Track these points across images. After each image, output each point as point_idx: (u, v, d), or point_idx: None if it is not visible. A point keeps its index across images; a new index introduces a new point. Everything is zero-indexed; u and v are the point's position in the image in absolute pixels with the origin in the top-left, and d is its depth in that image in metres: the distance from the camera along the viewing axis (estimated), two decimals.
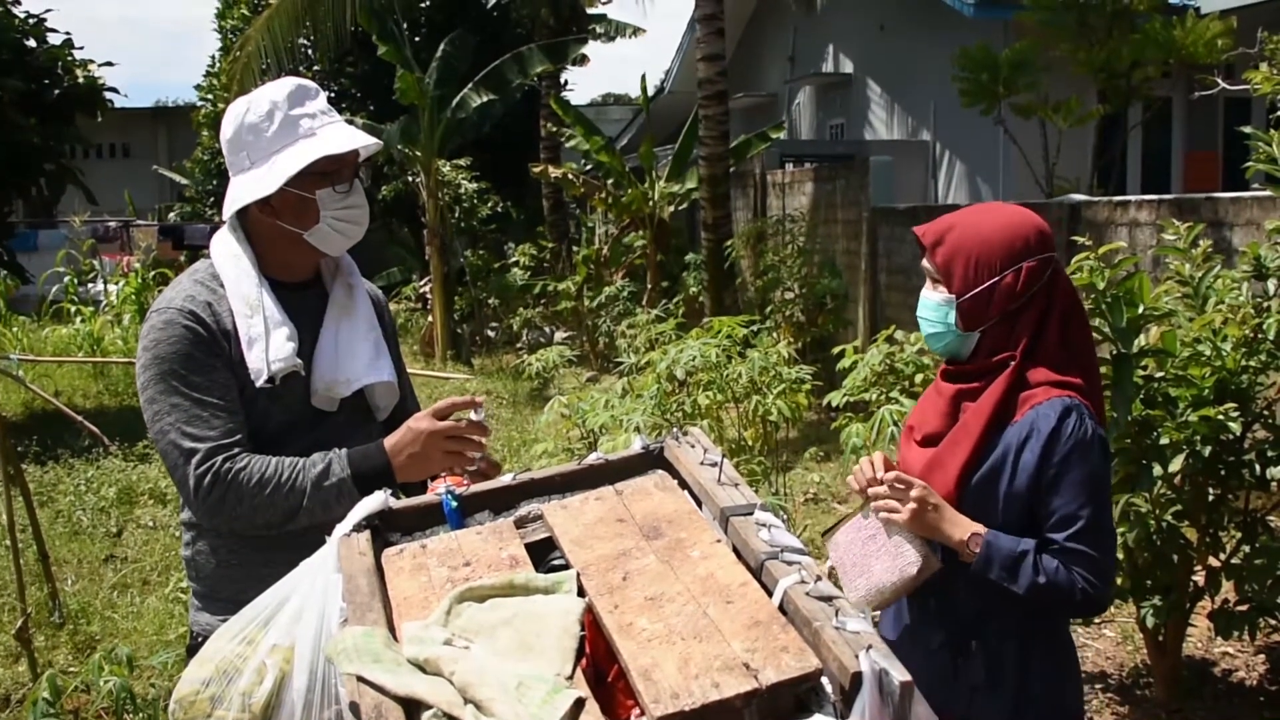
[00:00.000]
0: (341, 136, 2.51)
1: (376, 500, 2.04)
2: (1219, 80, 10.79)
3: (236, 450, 2.40)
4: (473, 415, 2.50)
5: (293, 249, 2.57)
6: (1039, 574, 2.34)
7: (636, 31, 24.74)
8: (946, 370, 2.61)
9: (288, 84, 2.55)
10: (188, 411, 2.40)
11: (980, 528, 2.37)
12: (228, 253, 2.57)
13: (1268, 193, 6.76)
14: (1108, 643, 5.55)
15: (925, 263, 2.55)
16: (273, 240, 2.57)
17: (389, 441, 2.46)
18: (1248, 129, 4.50)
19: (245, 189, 2.51)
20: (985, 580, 2.38)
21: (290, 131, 2.50)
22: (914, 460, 2.56)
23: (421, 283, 18.72)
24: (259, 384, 2.44)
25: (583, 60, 19.87)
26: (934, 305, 2.52)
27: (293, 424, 2.52)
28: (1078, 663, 2.66)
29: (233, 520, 2.42)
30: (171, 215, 29.62)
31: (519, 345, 15.96)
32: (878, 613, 2.63)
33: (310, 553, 2.30)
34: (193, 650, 2.62)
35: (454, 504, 2.08)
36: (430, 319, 16.63)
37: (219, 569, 2.57)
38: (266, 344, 2.45)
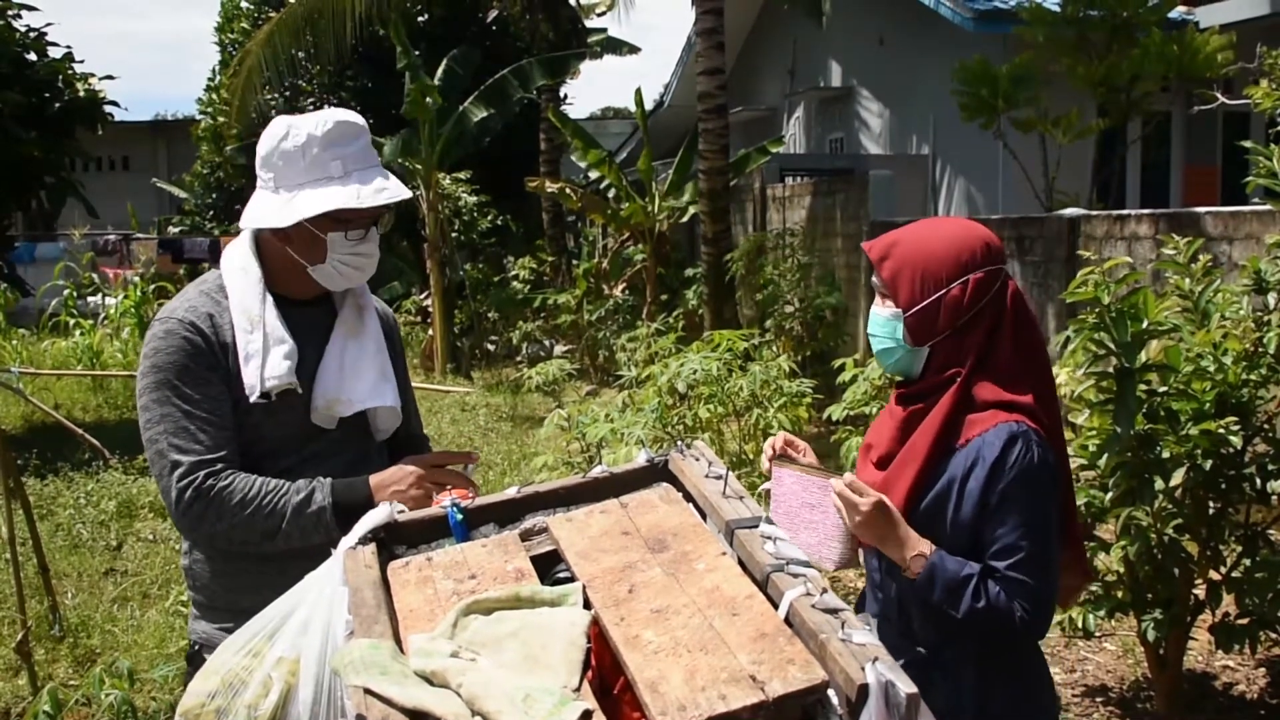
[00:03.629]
0: (367, 190, 2.51)
1: (382, 513, 2.05)
2: (1218, 95, 10.82)
3: (221, 466, 2.42)
4: (466, 467, 2.51)
5: (299, 275, 2.59)
6: (979, 599, 2.30)
7: (632, 50, 24.84)
8: (899, 392, 2.58)
9: (333, 119, 2.56)
10: (178, 423, 2.42)
11: (928, 547, 2.34)
12: (237, 266, 2.60)
13: (1267, 207, 6.77)
14: (1108, 656, 5.56)
15: (875, 278, 2.54)
16: (281, 262, 2.59)
17: (375, 477, 2.48)
18: (1247, 144, 4.51)
19: (264, 211, 2.53)
20: (929, 602, 2.37)
21: (320, 170, 2.51)
22: (868, 482, 2.50)
23: (422, 296, 18.75)
24: (253, 399, 2.46)
25: (575, 73, 19.94)
26: (882, 321, 2.51)
27: (288, 438, 2.54)
28: (1050, 687, 2.63)
29: (211, 535, 2.44)
30: (171, 229, 29.65)
31: (519, 359, 15.98)
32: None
33: (302, 563, 2.30)
34: (192, 659, 2.66)
35: (459, 517, 2.09)
36: (430, 332, 16.64)
37: (214, 578, 2.59)
38: (263, 361, 2.47)
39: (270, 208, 2.52)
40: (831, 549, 2.38)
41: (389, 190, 2.54)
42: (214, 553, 2.57)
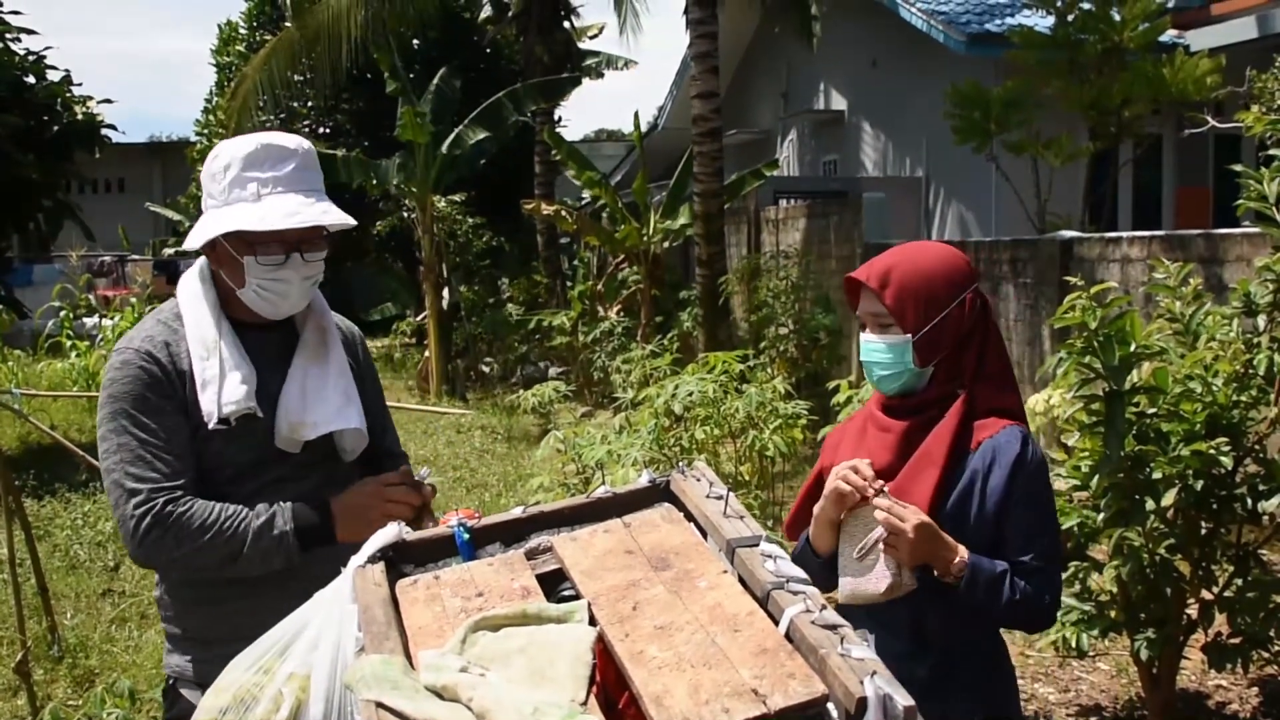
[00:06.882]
0: (274, 212, 2.44)
1: (390, 532, 2.08)
2: (1208, 118, 10.90)
3: (180, 493, 2.41)
4: (421, 472, 2.56)
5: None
6: (1015, 593, 2.43)
7: (628, 64, 24.97)
8: (890, 405, 2.64)
9: (260, 140, 2.53)
10: (134, 452, 2.41)
11: (964, 550, 2.43)
12: (191, 292, 2.59)
13: (1257, 229, 6.82)
14: (1102, 675, 5.59)
15: (868, 308, 2.61)
16: (227, 287, 2.57)
17: (336, 502, 2.50)
18: (1238, 167, 4.56)
19: (192, 233, 2.52)
20: (956, 605, 2.45)
21: (236, 191, 2.47)
22: None
23: (418, 318, 18.79)
24: (211, 425, 2.45)
25: (569, 93, 20.06)
26: (887, 348, 2.57)
27: (253, 463, 2.52)
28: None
29: (169, 563, 2.43)
30: (166, 250, 29.68)
31: (513, 380, 16.00)
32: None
33: (269, 591, 2.36)
34: (168, 693, 2.65)
35: (466, 536, 2.12)
36: (426, 354, 16.68)
37: (185, 609, 2.58)
38: (220, 387, 2.45)
39: (196, 227, 2.52)
40: (882, 571, 2.43)
41: (299, 216, 2.46)
42: (184, 583, 2.56)
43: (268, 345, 2.59)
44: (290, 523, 2.42)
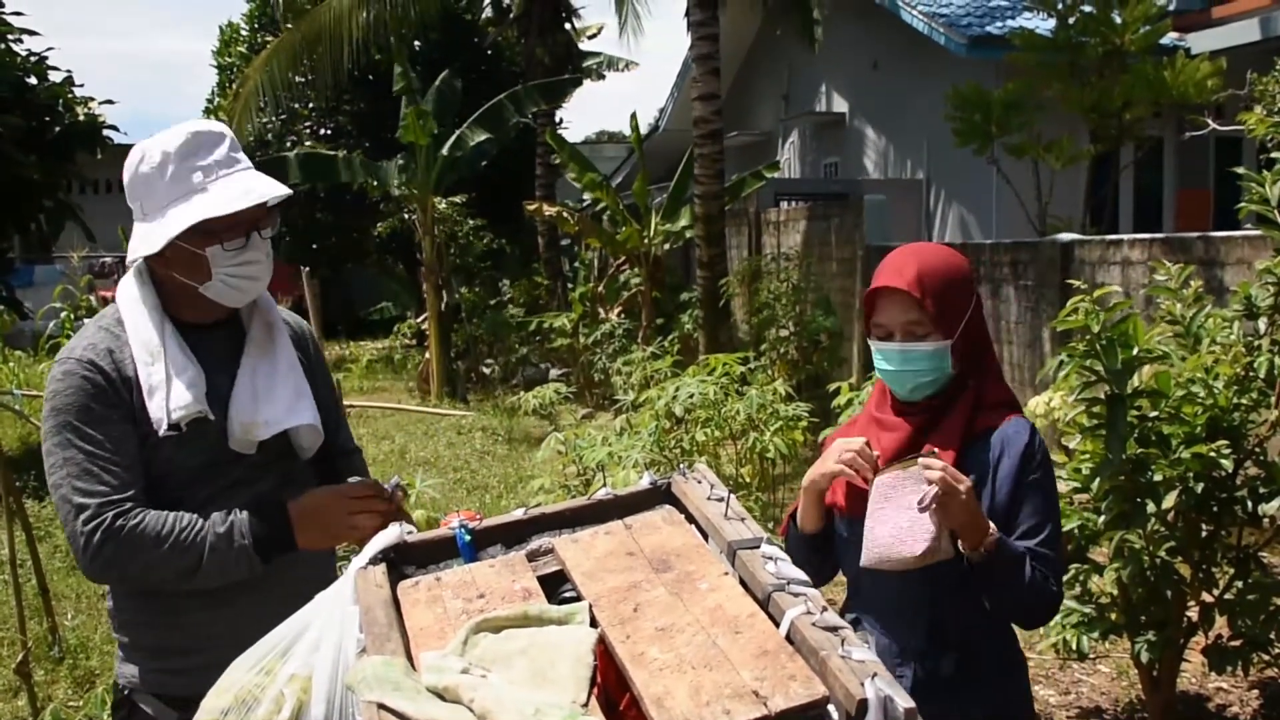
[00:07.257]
0: (231, 194, 2.41)
1: (392, 534, 2.08)
2: (1209, 120, 10.91)
3: (130, 506, 2.34)
4: (390, 481, 2.54)
5: (194, 298, 2.51)
6: (1031, 574, 2.42)
7: (629, 65, 25.00)
8: (897, 404, 2.61)
9: (183, 132, 2.46)
10: (80, 465, 2.34)
11: (992, 524, 2.41)
12: (131, 296, 2.52)
13: (1257, 232, 6.82)
14: (1103, 678, 5.59)
15: (902, 316, 2.52)
16: (175, 287, 2.51)
17: (294, 507, 2.43)
18: (1240, 169, 4.55)
19: (137, 242, 2.46)
20: (975, 595, 2.45)
21: (181, 185, 2.42)
22: None
23: (418, 319, 18.80)
24: (161, 433, 2.38)
25: (569, 95, 20.08)
26: (926, 356, 2.50)
27: (206, 466, 2.46)
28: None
29: (123, 578, 2.38)
30: None
31: (514, 382, 16.01)
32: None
33: (220, 600, 2.35)
34: (120, 704, 2.57)
35: (467, 537, 2.12)
36: (426, 355, 16.68)
37: (135, 618, 2.53)
38: (168, 392, 2.39)
39: (142, 236, 2.45)
40: (923, 532, 2.32)
41: (255, 192, 2.43)
42: (137, 595, 2.50)
43: (214, 345, 2.53)
44: (248, 535, 2.36)
